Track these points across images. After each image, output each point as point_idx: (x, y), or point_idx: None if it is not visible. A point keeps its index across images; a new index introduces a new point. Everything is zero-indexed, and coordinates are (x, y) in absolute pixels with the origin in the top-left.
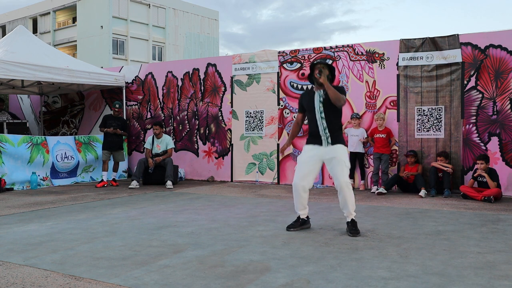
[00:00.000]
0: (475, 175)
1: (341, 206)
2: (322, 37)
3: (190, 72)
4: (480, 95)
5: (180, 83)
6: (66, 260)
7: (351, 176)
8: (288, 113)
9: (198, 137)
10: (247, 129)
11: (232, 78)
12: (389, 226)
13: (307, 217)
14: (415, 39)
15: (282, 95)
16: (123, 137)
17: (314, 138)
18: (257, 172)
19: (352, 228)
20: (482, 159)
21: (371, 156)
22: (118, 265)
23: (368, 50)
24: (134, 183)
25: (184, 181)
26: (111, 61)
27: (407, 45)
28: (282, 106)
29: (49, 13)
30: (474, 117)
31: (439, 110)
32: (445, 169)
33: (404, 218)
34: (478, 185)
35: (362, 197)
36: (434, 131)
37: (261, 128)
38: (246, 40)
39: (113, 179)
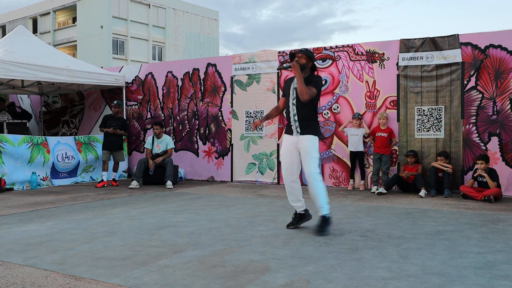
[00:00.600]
0: (475, 175)
1: (311, 198)
2: (322, 37)
3: (190, 72)
4: (480, 95)
5: (180, 83)
6: (66, 260)
7: (351, 176)
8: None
9: (198, 137)
10: (247, 129)
11: (232, 78)
12: (389, 226)
13: (305, 210)
14: (415, 39)
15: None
16: (123, 137)
17: (287, 127)
18: (257, 172)
19: (321, 225)
20: (482, 159)
21: (371, 156)
22: (118, 265)
23: (368, 50)
24: (134, 183)
25: (184, 181)
26: (111, 61)
27: (407, 45)
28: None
29: (49, 13)
30: (474, 117)
31: (439, 110)
32: (445, 169)
33: (404, 218)
34: (478, 185)
35: (362, 197)
36: (434, 131)
37: (261, 128)
38: (245, 40)
39: (113, 179)
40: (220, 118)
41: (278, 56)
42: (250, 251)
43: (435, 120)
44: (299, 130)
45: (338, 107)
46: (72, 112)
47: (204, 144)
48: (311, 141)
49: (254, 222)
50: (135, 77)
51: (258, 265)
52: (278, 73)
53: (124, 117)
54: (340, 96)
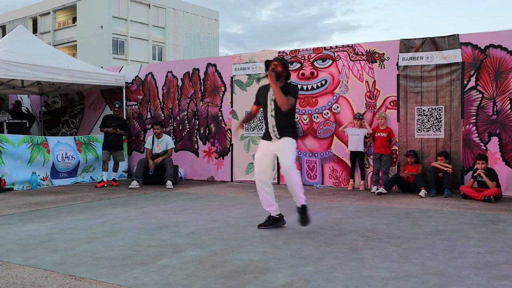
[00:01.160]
0: (475, 174)
1: (289, 191)
2: (322, 37)
3: (190, 72)
4: (480, 95)
5: (180, 83)
6: (66, 260)
7: (351, 176)
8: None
9: (198, 137)
10: (247, 129)
11: (232, 78)
12: (389, 226)
13: (280, 214)
14: (415, 39)
15: None
16: (123, 137)
17: (266, 135)
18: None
19: (303, 215)
20: (482, 159)
21: (371, 156)
22: (118, 265)
23: (368, 50)
24: (134, 183)
25: (184, 181)
26: (111, 61)
27: (407, 45)
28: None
29: (49, 13)
30: (474, 117)
31: (439, 110)
32: (445, 169)
33: (404, 218)
34: (478, 185)
35: (362, 197)
36: (434, 131)
37: (261, 128)
38: (245, 40)
39: (113, 179)
40: (220, 118)
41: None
42: (250, 251)
43: (435, 120)
44: (278, 136)
45: (338, 107)
46: (72, 112)
47: (204, 144)
48: (289, 141)
49: (254, 222)
50: (135, 77)
51: (258, 265)
52: None
53: (124, 117)
54: (340, 96)
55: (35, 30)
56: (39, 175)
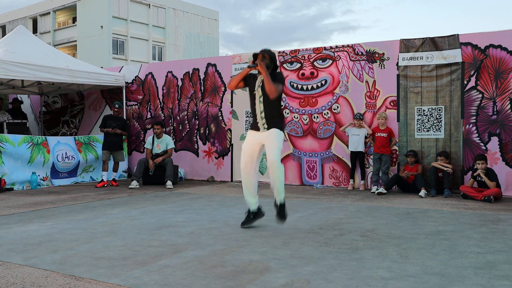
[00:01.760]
0: (474, 174)
1: (271, 186)
2: (321, 37)
3: (190, 72)
4: (480, 95)
5: (180, 83)
6: (66, 260)
7: (351, 176)
8: (288, 113)
9: (198, 137)
10: (247, 129)
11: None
12: (389, 226)
13: (259, 207)
14: (415, 39)
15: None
16: (123, 137)
17: (253, 124)
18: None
19: (280, 211)
20: (482, 159)
21: (371, 156)
22: (118, 265)
23: (368, 50)
24: (134, 183)
25: (184, 181)
26: (111, 61)
27: (407, 45)
28: (282, 106)
29: (49, 13)
30: (474, 117)
31: (439, 110)
32: (445, 169)
33: (404, 218)
34: (478, 185)
35: (362, 197)
36: (434, 131)
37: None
38: (245, 40)
39: (113, 179)
40: (220, 118)
41: (278, 56)
42: (250, 251)
43: (435, 120)
44: (265, 127)
45: (338, 107)
46: (72, 112)
47: (204, 144)
48: (278, 133)
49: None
50: (135, 77)
51: (258, 265)
52: None
53: (124, 117)
54: (340, 96)
55: (35, 30)
56: (39, 175)
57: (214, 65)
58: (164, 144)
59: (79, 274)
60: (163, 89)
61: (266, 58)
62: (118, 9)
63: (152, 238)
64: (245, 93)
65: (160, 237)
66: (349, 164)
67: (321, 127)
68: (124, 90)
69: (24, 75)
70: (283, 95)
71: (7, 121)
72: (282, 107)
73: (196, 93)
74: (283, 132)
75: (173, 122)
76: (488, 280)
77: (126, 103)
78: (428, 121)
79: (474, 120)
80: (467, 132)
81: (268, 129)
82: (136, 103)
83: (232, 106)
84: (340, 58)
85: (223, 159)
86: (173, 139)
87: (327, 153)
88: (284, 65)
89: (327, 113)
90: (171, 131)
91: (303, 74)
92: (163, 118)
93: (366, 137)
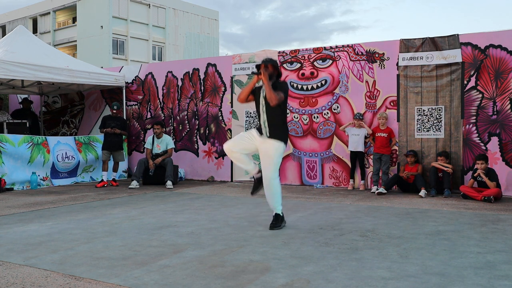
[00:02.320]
0: (474, 174)
1: (267, 199)
2: (321, 37)
3: (190, 72)
4: (480, 95)
5: (180, 83)
6: (66, 260)
7: (351, 176)
8: (288, 113)
9: (198, 137)
10: (247, 129)
11: (232, 78)
12: (389, 226)
13: (259, 171)
14: (415, 39)
15: None
16: (123, 137)
17: (259, 128)
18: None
19: (273, 221)
20: (482, 159)
21: (371, 156)
22: (118, 265)
23: (368, 50)
24: (134, 183)
25: (184, 181)
26: (111, 61)
27: (407, 45)
28: (287, 115)
29: (49, 13)
30: (474, 117)
31: (439, 110)
32: (445, 169)
33: (404, 218)
34: (478, 185)
35: (362, 197)
36: (434, 131)
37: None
38: (245, 40)
39: (113, 179)
40: (220, 118)
41: (278, 56)
42: (250, 251)
43: (435, 120)
44: (268, 134)
45: (338, 107)
46: (72, 112)
47: (204, 144)
48: (277, 146)
49: (254, 222)
50: (135, 77)
51: (258, 265)
52: None
53: (124, 117)
54: (340, 96)
55: (35, 30)
56: (39, 175)
57: (214, 65)
58: (164, 144)
59: (79, 274)
60: (163, 89)
61: (268, 68)
62: (118, 9)
63: (152, 238)
64: None
65: (160, 237)
66: (349, 164)
67: (321, 127)
68: (124, 90)
69: (24, 75)
70: None
71: (7, 121)
72: (287, 116)
73: (196, 93)
74: (285, 143)
75: (173, 122)
76: (488, 280)
77: (126, 103)
78: (428, 121)
79: (474, 120)
80: (467, 132)
81: (270, 137)
82: (136, 103)
83: (232, 106)
84: (340, 58)
85: (223, 159)
86: (173, 139)
87: (327, 153)
88: (284, 65)
89: (327, 113)
90: (171, 131)
91: (303, 74)
92: (163, 118)
93: (366, 137)
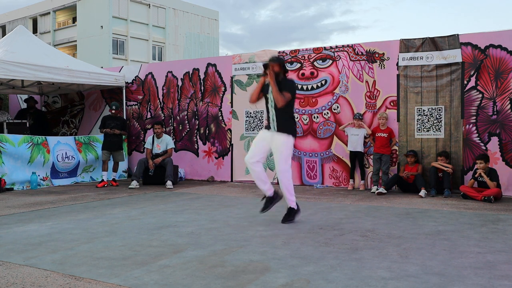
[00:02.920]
0: (475, 175)
1: (281, 191)
2: (321, 37)
3: (190, 72)
4: (480, 95)
5: (180, 83)
6: (66, 260)
7: (351, 176)
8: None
9: (198, 137)
10: (247, 129)
11: (232, 78)
12: (389, 226)
13: (275, 192)
14: (415, 39)
15: None
16: (123, 136)
17: (267, 126)
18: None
19: (287, 215)
20: (481, 158)
21: (371, 156)
22: (118, 265)
23: (368, 50)
24: (134, 183)
25: (184, 181)
26: (111, 61)
27: (407, 45)
28: (293, 109)
29: (49, 13)
30: (474, 117)
31: (439, 110)
32: (445, 169)
33: (404, 218)
34: (478, 185)
35: (362, 197)
36: (434, 131)
37: (261, 128)
38: (245, 40)
39: (113, 179)
40: (220, 118)
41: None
42: (250, 251)
43: (435, 120)
44: (276, 128)
45: (338, 107)
46: (72, 112)
47: (204, 144)
48: (285, 139)
49: (254, 222)
50: (135, 77)
51: (258, 265)
52: None
53: (124, 117)
54: (340, 96)
55: (35, 30)
56: (39, 175)
57: (214, 65)
58: (164, 144)
59: (79, 274)
60: (163, 89)
61: (275, 68)
62: (118, 9)
63: (152, 238)
64: (245, 93)
65: (160, 237)
66: (349, 164)
67: (321, 127)
68: (124, 90)
69: (24, 75)
70: None
71: (7, 121)
72: (293, 112)
73: (196, 93)
74: (294, 135)
75: (173, 122)
76: (488, 280)
77: (126, 103)
78: (428, 121)
79: (474, 120)
80: (467, 132)
81: (278, 131)
82: (136, 103)
83: (232, 106)
84: (340, 58)
85: (223, 159)
86: (173, 139)
87: (327, 153)
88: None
89: (327, 113)
90: (171, 131)
91: (303, 74)
92: (163, 118)
93: (365, 137)
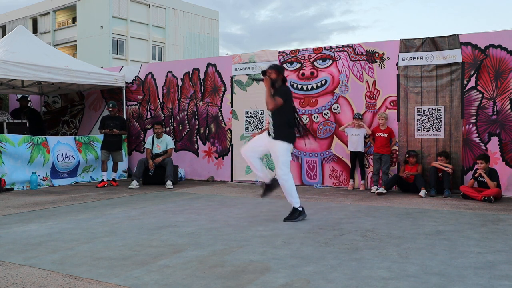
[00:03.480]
0: (475, 175)
1: (285, 195)
2: (321, 37)
3: (190, 72)
4: (480, 95)
5: (180, 83)
6: (66, 260)
7: (351, 176)
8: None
9: (198, 137)
10: (247, 129)
11: (232, 78)
12: (389, 226)
13: (272, 179)
14: (415, 39)
15: None
16: (123, 136)
17: (269, 129)
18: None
19: (290, 215)
20: (481, 158)
21: (371, 156)
22: (118, 265)
23: (368, 50)
24: (134, 183)
25: (184, 181)
26: (111, 61)
27: (407, 45)
28: (291, 117)
29: (49, 13)
30: (474, 117)
31: (439, 110)
32: (445, 169)
33: (404, 218)
34: (478, 185)
35: (362, 197)
36: (434, 131)
37: (261, 128)
38: (244, 40)
39: (113, 179)
40: (220, 118)
41: (278, 56)
42: (250, 251)
43: (435, 120)
44: (273, 135)
45: (338, 107)
46: (72, 112)
47: (204, 144)
48: (280, 146)
49: (254, 222)
50: (135, 77)
51: (258, 265)
52: None
53: (124, 117)
54: (340, 96)
55: (35, 30)
56: (39, 175)
57: (214, 65)
58: (164, 144)
59: (79, 274)
60: (163, 89)
61: (272, 74)
62: (118, 9)
63: (152, 238)
64: (245, 93)
65: (160, 237)
66: (349, 164)
67: (321, 127)
68: (124, 90)
69: (24, 75)
70: None
71: (7, 121)
72: (289, 118)
73: (196, 93)
74: (290, 141)
75: (173, 122)
76: (488, 280)
77: (126, 103)
78: (428, 121)
79: (474, 120)
80: (467, 132)
81: (274, 138)
82: (136, 103)
83: (232, 106)
84: (340, 58)
85: (223, 159)
86: (173, 139)
87: (327, 153)
88: (284, 65)
89: (327, 113)
90: (171, 131)
91: (303, 74)
92: (163, 118)
93: (366, 137)
